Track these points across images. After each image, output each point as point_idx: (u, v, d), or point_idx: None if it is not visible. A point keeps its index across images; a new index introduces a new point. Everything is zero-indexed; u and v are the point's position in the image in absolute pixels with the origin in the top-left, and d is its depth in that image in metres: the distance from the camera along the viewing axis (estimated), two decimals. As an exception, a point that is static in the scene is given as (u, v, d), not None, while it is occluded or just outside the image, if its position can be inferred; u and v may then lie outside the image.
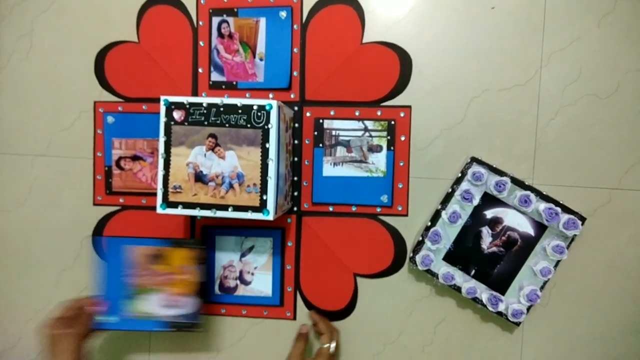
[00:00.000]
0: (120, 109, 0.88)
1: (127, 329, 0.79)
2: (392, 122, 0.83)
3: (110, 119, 0.88)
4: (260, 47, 0.85)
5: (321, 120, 0.84)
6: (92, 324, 0.78)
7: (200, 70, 0.86)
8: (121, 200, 0.89)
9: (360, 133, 0.83)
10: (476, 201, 0.79)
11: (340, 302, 0.86)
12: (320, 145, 0.84)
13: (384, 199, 0.83)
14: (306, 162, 0.85)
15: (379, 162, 0.83)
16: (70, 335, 0.74)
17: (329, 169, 0.84)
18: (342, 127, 0.84)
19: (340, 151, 0.84)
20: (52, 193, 0.91)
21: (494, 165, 0.79)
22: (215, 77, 0.86)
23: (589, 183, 0.81)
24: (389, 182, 0.83)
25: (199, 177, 0.71)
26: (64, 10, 0.88)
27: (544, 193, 0.78)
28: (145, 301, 0.79)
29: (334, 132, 0.84)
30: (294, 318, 0.87)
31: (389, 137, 0.83)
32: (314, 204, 0.85)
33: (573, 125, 0.81)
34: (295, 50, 0.84)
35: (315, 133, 0.84)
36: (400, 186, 0.84)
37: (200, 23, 0.86)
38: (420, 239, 0.81)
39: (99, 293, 0.79)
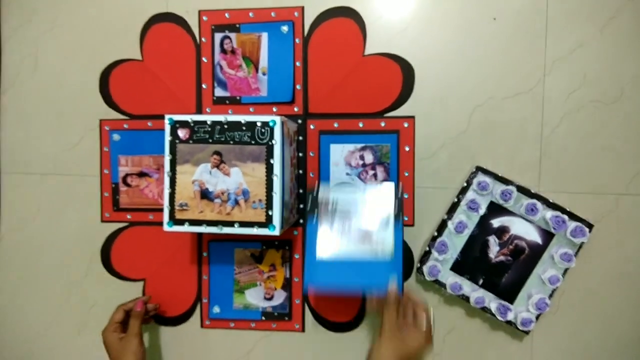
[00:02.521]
0: (125, 126, 0.88)
1: (228, 318, 0.88)
2: (396, 134, 0.83)
3: (116, 137, 0.88)
4: (263, 62, 0.85)
5: (315, 192, 0.76)
6: (142, 322, 0.81)
7: (204, 86, 0.87)
8: (128, 217, 0.89)
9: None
10: (482, 211, 0.79)
11: (348, 314, 0.86)
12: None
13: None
14: (311, 175, 0.85)
15: (385, 238, 0.71)
16: (129, 337, 0.78)
17: (324, 250, 0.72)
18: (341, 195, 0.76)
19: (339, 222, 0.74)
20: (60, 211, 0.92)
21: (499, 174, 0.79)
22: (219, 92, 0.87)
23: (595, 189, 0.81)
24: (398, 265, 0.70)
25: (205, 194, 0.71)
26: (68, 30, 0.89)
27: (551, 201, 0.78)
28: (247, 294, 0.88)
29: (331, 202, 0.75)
30: (303, 330, 0.87)
31: (396, 205, 0.73)
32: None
33: (578, 132, 0.81)
34: (297, 63, 0.85)
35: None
36: (406, 196, 0.84)
37: (203, 39, 0.86)
38: (427, 249, 0.81)
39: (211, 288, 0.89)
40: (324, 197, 0.75)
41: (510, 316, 0.79)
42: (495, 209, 0.79)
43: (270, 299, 0.87)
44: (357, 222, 0.72)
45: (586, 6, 0.79)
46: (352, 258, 0.71)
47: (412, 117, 0.83)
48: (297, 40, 0.85)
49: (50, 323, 0.94)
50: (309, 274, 0.71)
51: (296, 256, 0.87)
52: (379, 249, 0.70)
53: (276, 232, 0.70)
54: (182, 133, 0.71)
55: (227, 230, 0.71)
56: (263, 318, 0.87)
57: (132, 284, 0.90)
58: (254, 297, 0.87)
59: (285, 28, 0.84)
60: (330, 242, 0.72)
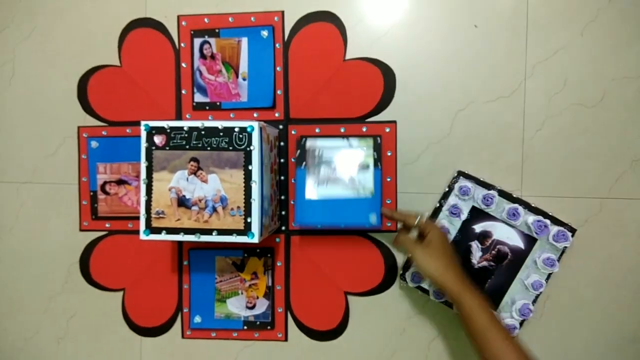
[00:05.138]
0: (104, 133, 0.87)
1: (210, 327, 0.87)
2: (378, 138, 0.82)
3: (94, 144, 0.87)
4: (243, 67, 0.84)
5: (303, 141, 0.79)
6: None
7: (183, 91, 0.86)
8: (107, 225, 0.88)
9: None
10: (464, 216, 0.79)
11: (332, 322, 0.85)
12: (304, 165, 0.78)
13: (373, 219, 0.77)
14: (293, 181, 0.84)
15: (366, 180, 0.77)
16: None
17: (312, 192, 0.76)
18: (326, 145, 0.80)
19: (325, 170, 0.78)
20: (38, 220, 0.90)
21: (482, 179, 0.79)
22: (199, 98, 0.85)
23: (579, 193, 0.80)
24: (377, 201, 0.76)
25: (182, 202, 0.70)
26: (46, 37, 0.88)
27: (533, 205, 0.77)
28: (229, 303, 0.86)
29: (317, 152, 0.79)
30: (286, 339, 0.86)
31: (375, 155, 0.78)
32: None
33: (560, 135, 0.80)
34: (278, 68, 0.84)
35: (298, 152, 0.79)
36: (389, 202, 0.83)
37: (182, 45, 0.85)
38: (410, 255, 0.80)
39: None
40: (311, 147, 0.78)
41: (494, 322, 0.78)
42: (478, 214, 0.79)
43: (253, 307, 0.86)
44: (340, 169, 0.77)
45: (567, 9, 0.79)
46: (337, 197, 0.76)
47: (394, 122, 0.83)
48: (277, 45, 0.84)
49: (29, 335, 0.92)
50: (299, 213, 0.75)
51: (278, 264, 0.85)
52: (360, 189, 0.76)
53: (255, 239, 0.69)
54: (158, 139, 0.70)
55: (205, 238, 0.69)
56: (245, 327, 0.86)
57: (111, 294, 0.89)
58: (236, 306, 0.86)
59: (265, 33, 0.83)
60: (316, 185, 0.76)
